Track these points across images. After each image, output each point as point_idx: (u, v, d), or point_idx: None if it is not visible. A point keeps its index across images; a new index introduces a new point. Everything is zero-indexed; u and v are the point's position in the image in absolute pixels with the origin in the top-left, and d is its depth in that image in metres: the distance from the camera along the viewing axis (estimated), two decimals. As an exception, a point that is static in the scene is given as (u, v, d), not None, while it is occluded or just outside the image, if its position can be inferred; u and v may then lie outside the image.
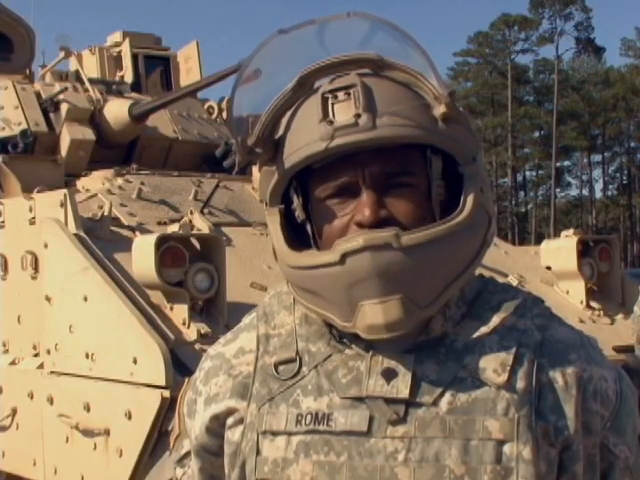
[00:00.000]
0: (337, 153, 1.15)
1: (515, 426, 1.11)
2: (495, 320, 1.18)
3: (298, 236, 1.23)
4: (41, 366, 4.24)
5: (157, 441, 3.57)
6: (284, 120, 1.20)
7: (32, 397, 4.27)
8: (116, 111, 6.07)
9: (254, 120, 1.20)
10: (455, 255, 1.15)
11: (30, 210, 4.46)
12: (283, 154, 1.18)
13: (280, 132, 1.20)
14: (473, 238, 1.18)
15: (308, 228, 1.23)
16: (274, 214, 1.22)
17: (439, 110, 1.15)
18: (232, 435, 1.23)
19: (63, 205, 4.25)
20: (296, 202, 1.22)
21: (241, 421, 1.22)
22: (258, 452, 1.18)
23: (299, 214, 1.22)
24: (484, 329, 1.17)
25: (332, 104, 1.15)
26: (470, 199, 1.16)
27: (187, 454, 1.33)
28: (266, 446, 1.18)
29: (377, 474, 1.12)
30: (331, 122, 1.14)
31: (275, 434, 1.18)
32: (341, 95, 1.15)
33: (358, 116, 1.13)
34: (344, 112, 1.14)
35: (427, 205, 1.18)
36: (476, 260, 1.19)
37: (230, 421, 1.23)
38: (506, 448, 1.11)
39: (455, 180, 1.18)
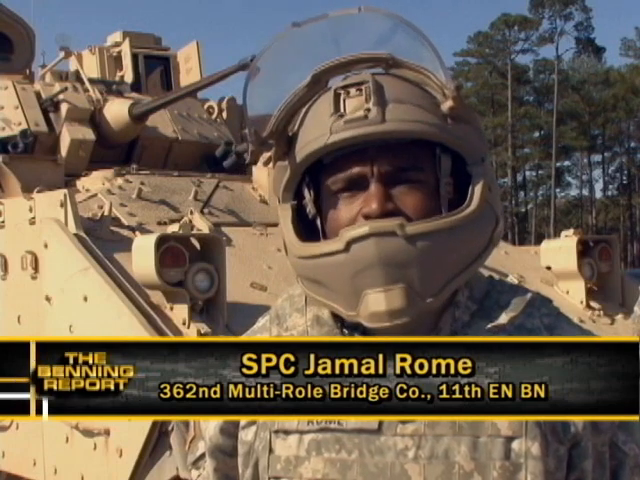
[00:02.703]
0: (347, 146, 1.17)
1: (523, 423, 1.13)
2: (504, 319, 1.19)
3: (309, 232, 1.25)
4: (41, 366, 4.23)
5: (157, 441, 3.57)
6: (298, 117, 1.22)
7: (32, 397, 4.26)
8: (116, 111, 6.07)
9: (266, 117, 1.22)
10: (460, 248, 1.16)
11: (30, 210, 4.46)
12: (295, 148, 1.21)
13: (294, 128, 1.22)
14: (479, 234, 1.19)
15: (318, 223, 1.24)
16: (286, 209, 1.24)
17: (446, 105, 1.17)
18: (245, 435, 1.25)
19: (63, 205, 4.25)
20: (307, 197, 1.24)
21: (254, 421, 1.23)
22: (271, 451, 1.20)
23: (310, 209, 1.24)
24: (493, 328, 1.19)
25: (344, 99, 1.17)
26: (477, 194, 1.18)
27: (202, 456, 1.36)
28: (279, 445, 1.20)
29: (387, 471, 1.14)
30: (342, 115, 1.16)
31: (287, 433, 1.20)
32: (353, 91, 1.17)
33: (368, 110, 1.15)
34: (355, 106, 1.16)
35: (435, 202, 1.19)
36: (482, 256, 1.20)
37: (244, 422, 1.25)
38: (515, 444, 1.13)
39: (464, 180, 1.20)
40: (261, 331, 1.30)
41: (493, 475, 1.12)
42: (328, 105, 1.18)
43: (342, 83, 1.19)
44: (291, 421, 1.19)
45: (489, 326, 1.19)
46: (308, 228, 1.25)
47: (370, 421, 1.15)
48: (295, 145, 1.21)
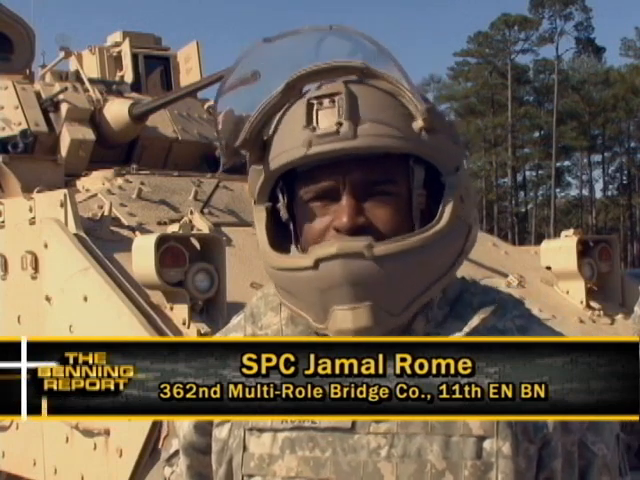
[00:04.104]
0: (319, 159, 1.17)
1: (495, 422, 1.14)
2: (475, 320, 1.20)
3: (282, 235, 1.26)
4: (41, 366, 4.23)
5: (157, 441, 3.57)
6: (272, 122, 1.22)
7: (32, 397, 4.26)
8: (116, 111, 6.07)
9: (237, 122, 1.23)
10: (428, 265, 1.17)
11: (30, 210, 4.46)
12: (269, 156, 1.21)
13: (268, 134, 1.22)
14: (449, 248, 1.20)
15: (291, 227, 1.26)
16: (261, 212, 1.25)
17: (418, 124, 1.17)
18: (219, 433, 1.25)
19: (63, 205, 4.25)
20: (281, 202, 1.25)
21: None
22: (245, 448, 1.21)
23: (283, 214, 1.25)
24: (465, 329, 1.19)
25: (317, 110, 1.18)
26: (448, 210, 1.18)
27: (176, 453, 1.37)
28: (253, 442, 1.20)
29: (360, 469, 1.15)
30: (314, 129, 1.16)
31: (261, 430, 1.20)
32: (326, 102, 1.17)
33: (340, 124, 1.15)
34: (327, 119, 1.16)
35: (407, 214, 1.20)
36: (452, 269, 1.21)
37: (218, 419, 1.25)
38: (486, 444, 1.14)
39: (438, 188, 1.20)
40: (235, 329, 1.31)
41: (464, 474, 1.12)
42: (301, 115, 1.18)
43: (315, 93, 1.19)
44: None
45: (463, 329, 1.19)
46: (282, 230, 1.26)
47: (344, 420, 1.16)
48: (269, 151, 1.22)
